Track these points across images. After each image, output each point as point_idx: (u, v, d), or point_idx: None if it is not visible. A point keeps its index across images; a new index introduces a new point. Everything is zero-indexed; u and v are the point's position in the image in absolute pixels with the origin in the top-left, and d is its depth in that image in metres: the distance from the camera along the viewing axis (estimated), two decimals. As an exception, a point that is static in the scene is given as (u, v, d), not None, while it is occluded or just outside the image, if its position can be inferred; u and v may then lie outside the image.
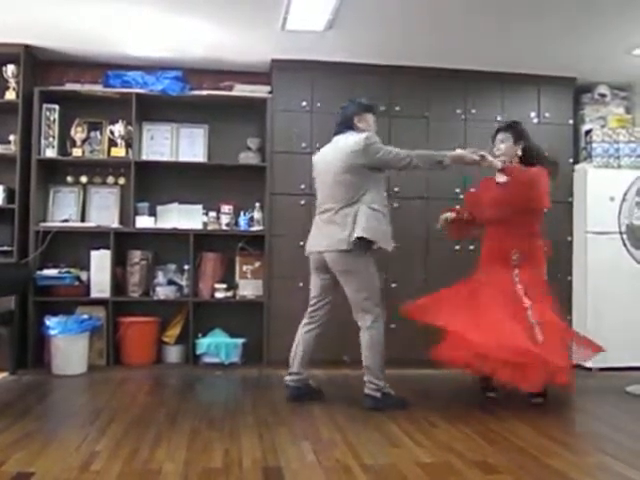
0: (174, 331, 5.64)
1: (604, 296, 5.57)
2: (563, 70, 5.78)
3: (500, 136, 4.50)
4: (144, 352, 5.53)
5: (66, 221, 5.56)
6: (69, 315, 5.26)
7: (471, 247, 5.70)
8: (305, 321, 4.43)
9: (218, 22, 4.83)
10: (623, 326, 5.52)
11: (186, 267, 5.63)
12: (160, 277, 5.64)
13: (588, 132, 5.91)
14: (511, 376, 3.93)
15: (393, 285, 5.63)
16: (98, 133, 5.68)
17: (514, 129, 4.49)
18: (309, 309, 4.43)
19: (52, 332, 5.07)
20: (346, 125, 4.31)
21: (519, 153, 4.45)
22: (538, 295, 4.28)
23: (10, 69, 5.33)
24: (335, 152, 4.27)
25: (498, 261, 4.43)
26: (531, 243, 4.42)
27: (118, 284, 5.57)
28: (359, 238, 4.06)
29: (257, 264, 5.71)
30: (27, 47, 5.33)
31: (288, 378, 4.37)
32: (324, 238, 4.23)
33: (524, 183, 4.31)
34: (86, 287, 5.48)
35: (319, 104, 5.63)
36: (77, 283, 5.44)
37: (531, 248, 4.41)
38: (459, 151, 4.36)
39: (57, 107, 5.49)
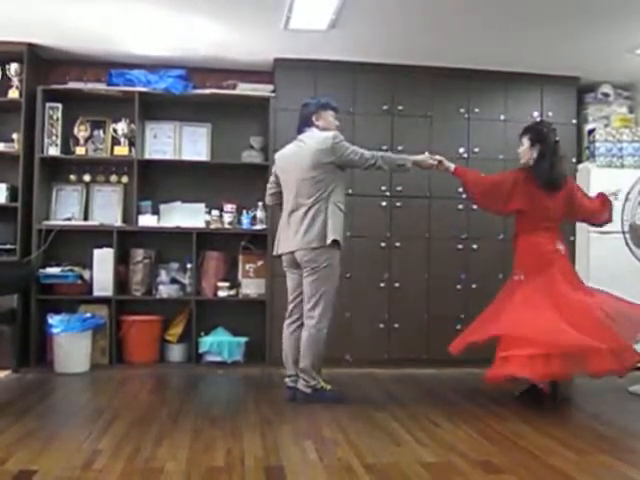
0: (177, 330, 5.64)
1: (607, 296, 5.56)
2: (566, 70, 5.77)
3: (521, 138, 4.54)
4: (147, 351, 5.53)
5: (69, 219, 5.56)
6: (72, 313, 5.26)
7: (474, 246, 5.71)
8: (287, 321, 4.48)
9: (221, 21, 4.83)
10: (626, 326, 5.51)
11: (189, 266, 5.63)
12: (163, 276, 5.64)
13: (591, 131, 5.91)
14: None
15: (396, 285, 5.63)
16: (101, 132, 5.69)
17: (533, 131, 4.50)
18: (289, 307, 4.49)
19: (55, 330, 5.07)
20: (305, 124, 4.41)
21: (534, 156, 4.43)
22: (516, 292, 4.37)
23: (13, 67, 5.33)
24: (301, 150, 4.34)
25: None
26: (515, 242, 4.56)
27: (121, 282, 5.56)
28: (333, 240, 4.19)
29: (260, 263, 5.71)
30: (30, 45, 5.33)
31: (287, 380, 4.40)
32: (296, 238, 4.28)
33: (471, 193, 4.61)
34: (89, 285, 5.49)
35: (322, 103, 5.63)
36: (80, 281, 5.44)
37: (515, 247, 4.55)
38: (419, 156, 4.57)
39: (60, 106, 5.49)
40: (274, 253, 4.55)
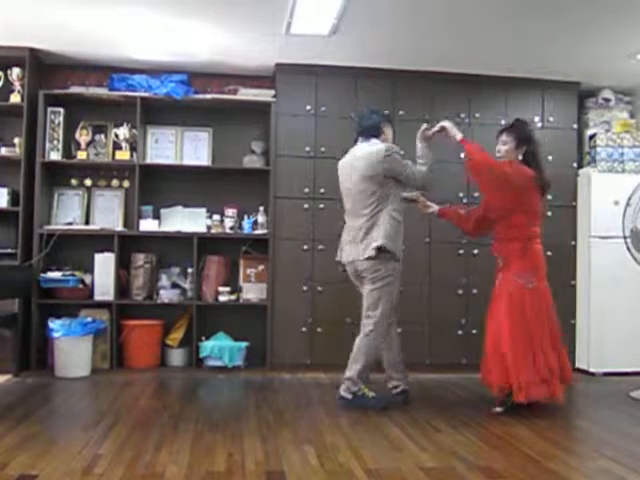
0: (177, 334, 5.64)
1: (608, 301, 5.57)
2: (567, 75, 5.77)
3: (503, 137, 4.31)
4: (147, 355, 5.53)
5: (70, 224, 5.56)
6: (72, 318, 5.27)
7: (475, 251, 5.70)
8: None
9: (223, 26, 4.84)
10: (627, 331, 5.52)
11: (190, 270, 5.63)
12: (164, 280, 5.65)
13: (592, 136, 5.91)
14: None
15: (400, 289, 5.61)
16: (103, 136, 5.70)
17: (518, 131, 4.28)
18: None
19: (55, 334, 5.07)
20: (372, 133, 4.37)
21: (520, 158, 4.26)
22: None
23: (15, 72, 5.34)
24: (357, 161, 4.32)
25: None
26: (530, 249, 4.28)
27: (122, 287, 5.57)
28: (379, 247, 4.15)
29: (261, 267, 5.71)
30: (32, 50, 5.35)
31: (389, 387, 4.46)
32: (355, 247, 4.29)
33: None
34: (90, 290, 5.49)
35: (323, 108, 5.64)
36: (81, 286, 5.45)
37: (530, 253, 4.29)
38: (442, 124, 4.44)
39: (62, 110, 5.51)
40: (336, 259, 4.52)
